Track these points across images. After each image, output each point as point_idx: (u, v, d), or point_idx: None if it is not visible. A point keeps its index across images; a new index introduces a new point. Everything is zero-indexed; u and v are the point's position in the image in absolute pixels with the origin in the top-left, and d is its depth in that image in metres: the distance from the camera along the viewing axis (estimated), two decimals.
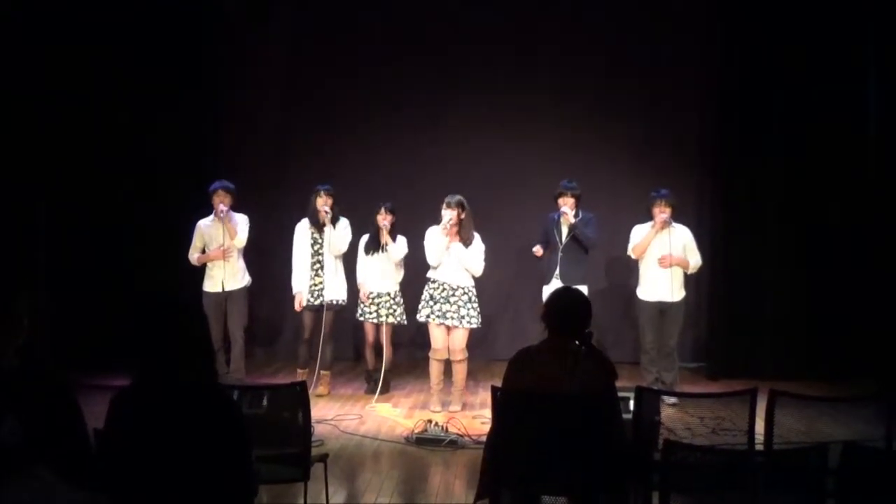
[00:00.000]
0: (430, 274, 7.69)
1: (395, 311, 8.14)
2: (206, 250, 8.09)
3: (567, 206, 7.85)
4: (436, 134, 9.92)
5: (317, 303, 8.10)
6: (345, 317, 8.71)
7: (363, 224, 8.27)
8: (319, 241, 8.12)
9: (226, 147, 9.86)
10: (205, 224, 8.12)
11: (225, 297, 8.06)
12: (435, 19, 9.93)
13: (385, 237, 7.98)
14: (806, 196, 9.16)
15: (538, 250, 8.06)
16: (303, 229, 8.20)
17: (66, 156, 8.97)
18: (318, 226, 8.09)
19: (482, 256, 7.62)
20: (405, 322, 8.23)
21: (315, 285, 8.12)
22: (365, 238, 8.20)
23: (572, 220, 7.84)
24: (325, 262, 8.10)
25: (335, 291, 8.13)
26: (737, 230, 9.26)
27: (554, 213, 8.04)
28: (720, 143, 9.38)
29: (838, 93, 8.98)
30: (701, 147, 9.74)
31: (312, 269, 8.14)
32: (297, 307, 8.22)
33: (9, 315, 2.89)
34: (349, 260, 8.34)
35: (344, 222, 8.18)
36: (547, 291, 7.45)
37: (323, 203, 8.04)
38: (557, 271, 7.88)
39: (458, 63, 9.90)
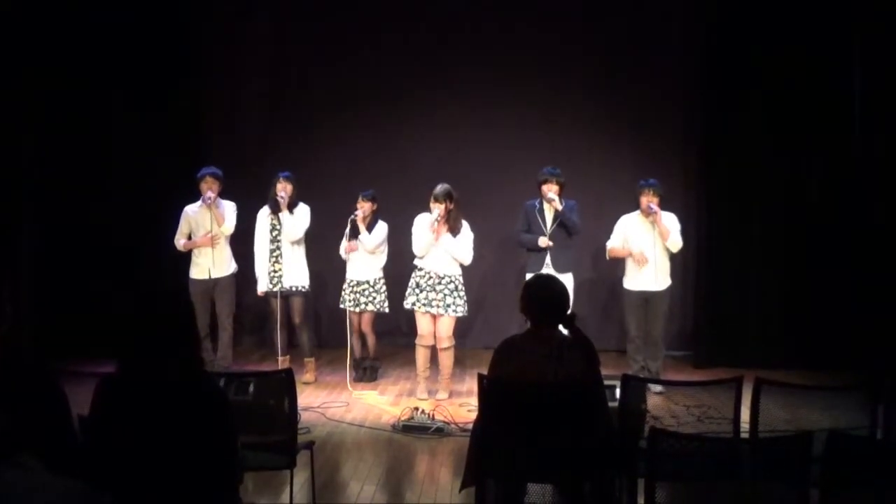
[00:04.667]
0: (416, 262, 7.68)
1: (374, 298, 8.13)
2: (193, 236, 8.06)
3: (552, 192, 7.84)
4: (420, 122, 9.92)
5: (276, 289, 8.09)
6: (331, 305, 8.69)
7: (348, 212, 8.25)
8: (278, 227, 8.10)
9: (210, 134, 9.82)
10: (192, 210, 8.09)
11: (212, 284, 8.04)
12: (419, 8, 9.89)
13: (359, 223, 7.98)
14: (791, 187, 9.18)
15: (545, 242, 7.87)
16: (263, 215, 8.19)
17: (51, 142, 8.93)
18: (276, 212, 8.08)
19: (470, 245, 7.62)
20: (386, 310, 8.23)
21: (275, 272, 8.11)
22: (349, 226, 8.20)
23: (559, 207, 7.82)
24: (283, 249, 8.09)
25: (294, 278, 8.10)
26: (722, 219, 9.26)
27: (534, 199, 8.02)
28: (705, 133, 9.38)
29: (823, 77, 8.98)
30: (685, 136, 9.74)
31: (272, 256, 8.12)
32: (258, 292, 8.24)
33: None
34: (315, 246, 8.31)
35: (303, 208, 8.14)
36: None
37: (281, 189, 8.02)
38: (549, 259, 7.86)
39: (443, 51, 9.88)
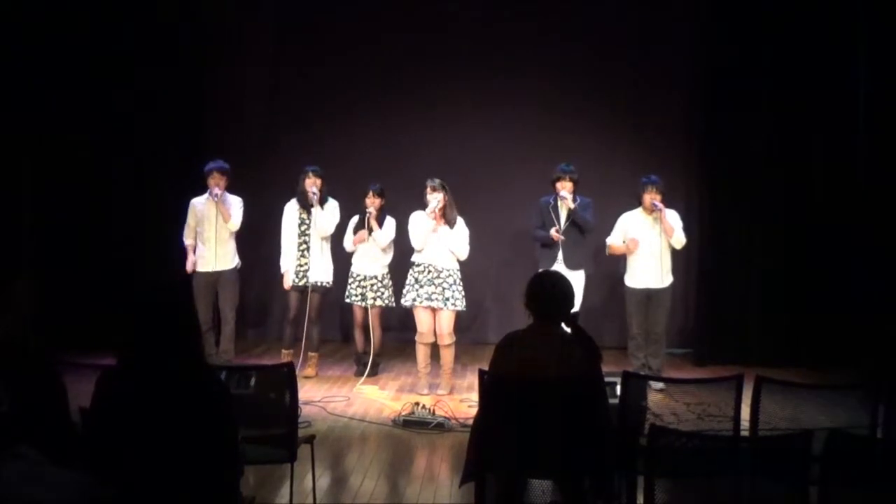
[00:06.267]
0: (414, 258, 7.68)
1: (382, 293, 8.13)
2: (199, 229, 8.07)
3: (566, 190, 7.83)
4: (426, 117, 9.90)
5: (301, 283, 8.11)
6: (333, 298, 8.71)
7: (351, 205, 8.26)
8: (307, 221, 8.12)
9: (214, 126, 9.80)
10: (198, 202, 8.10)
11: (216, 277, 8.06)
12: (421, 4, 9.88)
13: (372, 222, 7.98)
14: (793, 185, 9.17)
15: (556, 235, 7.85)
16: (291, 209, 8.20)
17: (53, 134, 8.94)
18: (306, 206, 8.09)
19: (467, 239, 7.64)
20: (393, 304, 8.23)
21: (301, 266, 8.13)
22: (355, 220, 8.19)
23: (572, 205, 7.82)
24: (312, 244, 8.10)
25: (320, 273, 8.13)
26: (724, 217, 9.26)
27: (549, 196, 8.02)
28: (707, 131, 9.37)
29: (827, 75, 8.96)
30: (688, 134, 9.73)
31: (299, 250, 8.14)
32: (285, 286, 8.23)
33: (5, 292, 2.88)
34: (337, 242, 8.33)
35: (332, 204, 8.18)
36: None
37: (311, 184, 8.03)
38: (560, 256, 7.86)
39: (448, 46, 9.86)
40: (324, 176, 8.11)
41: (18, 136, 8.63)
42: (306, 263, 8.12)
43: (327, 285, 8.22)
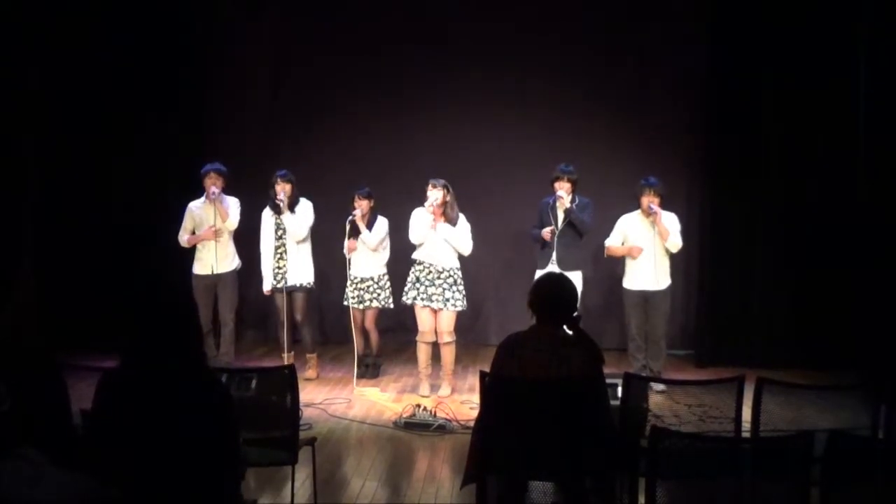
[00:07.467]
0: (415, 255, 7.68)
1: (378, 294, 8.14)
2: (196, 232, 8.08)
3: (563, 190, 7.83)
4: (428, 118, 9.90)
5: (280, 286, 8.11)
6: (333, 300, 8.71)
7: (351, 209, 8.26)
8: (282, 226, 8.12)
9: (214, 127, 9.81)
10: (195, 206, 8.10)
11: (215, 280, 8.07)
12: (421, 3, 9.88)
13: (358, 223, 7.99)
14: (794, 186, 9.16)
15: (547, 233, 7.89)
16: (267, 215, 8.22)
17: (54, 135, 8.96)
18: (277, 212, 8.09)
19: (469, 235, 7.65)
20: (391, 306, 8.24)
21: (279, 269, 8.13)
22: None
23: (568, 205, 7.82)
24: (288, 247, 8.11)
25: (299, 275, 8.13)
26: (725, 219, 9.25)
27: (549, 197, 8.02)
28: (710, 131, 9.36)
29: (829, 81, 8.96)
30: (689, 135, 9.72)
31: (277, 253, 8.15)
32: (264, 290, 8.26)
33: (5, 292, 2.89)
34: (317, 244, 8.33)
35: (304, 205, 8.16)
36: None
37: (280, 190, 8.03)
38: (554, 256, 7.86)
39: (450, 47, 9.86)
40: (293, 179, 8.11)
41: (20, 137, 8.64)
42: (284, 265, 8.12)
43: (308, 286, 8.21)
